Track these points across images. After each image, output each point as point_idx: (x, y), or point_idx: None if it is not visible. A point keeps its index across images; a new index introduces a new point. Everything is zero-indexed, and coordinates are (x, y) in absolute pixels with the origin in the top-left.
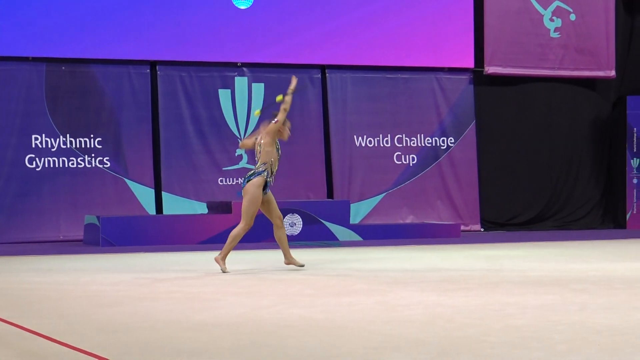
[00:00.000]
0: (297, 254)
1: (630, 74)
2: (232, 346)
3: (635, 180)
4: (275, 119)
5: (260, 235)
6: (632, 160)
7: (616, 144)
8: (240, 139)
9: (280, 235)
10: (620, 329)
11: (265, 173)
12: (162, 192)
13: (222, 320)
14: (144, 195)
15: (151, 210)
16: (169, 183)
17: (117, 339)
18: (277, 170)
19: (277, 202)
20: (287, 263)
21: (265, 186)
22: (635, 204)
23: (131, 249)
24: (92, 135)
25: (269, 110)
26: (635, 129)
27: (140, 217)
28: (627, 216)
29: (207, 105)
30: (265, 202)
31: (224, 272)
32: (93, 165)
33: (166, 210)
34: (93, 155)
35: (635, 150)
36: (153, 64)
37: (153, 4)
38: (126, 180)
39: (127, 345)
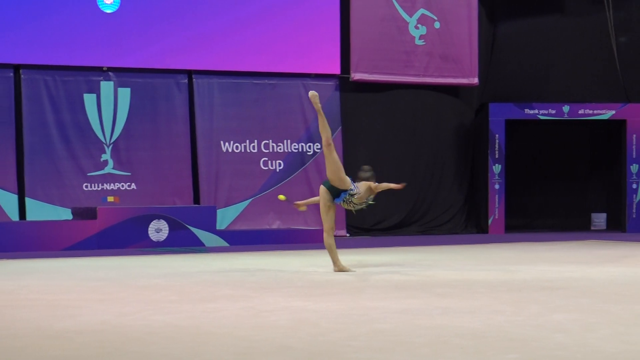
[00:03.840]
0: (163, 260)
1: (492, 81)
2: (95, 354)
3: (497, 186)
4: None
5: (125, 241)
6: (494, 166)
7: (479, 150)
8: (106, 144)
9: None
10: (483, 332)
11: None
12: (26, 198)
13: (85, 327)
14: (7, 200)
15: (14, 216)
16: (32, 188)
17: None
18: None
19: (142, 207)
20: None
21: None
22: (497, 209)
23: None
24: None
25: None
26: (497, 135)
27: (2, 223)
28: (490, 221)
29: (72, 109)
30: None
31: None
32: None
33: (30, 216)
34: None
35: (497, 157)
36: (16, 68)
37: (17, 6)
38: None
39: None
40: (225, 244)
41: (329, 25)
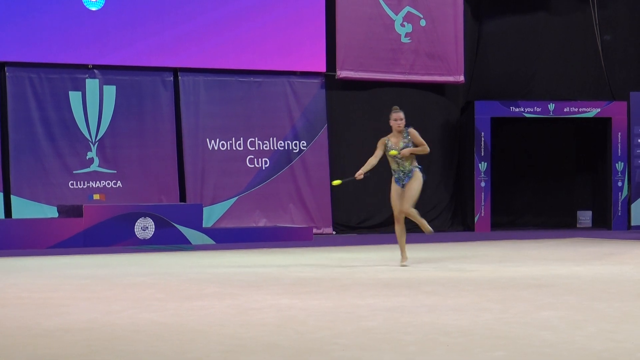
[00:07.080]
0: (150, 257)
1: (477, 79)
2: (83, 352)
3: (483, 184)
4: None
5: (111, 239)
6: (480, 164)
7: (465, 148)
8: (91, 142)
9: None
10: (469, 329)
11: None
12: (11, 196)
13: (72, 325)
14: None
15: None
16: (18, 186)
17: None
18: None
19: (128, 205)
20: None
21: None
22: (483, 207)
23: None
24: None
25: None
26: (482, 133)
27: None
28: (475, 219)
29: (57, 107)
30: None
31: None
32: None
33: (15, 214)
34: None
35: (483, 154)
36: (1, 65)
37: (1, 4)
38: None
39: None
40: (212, 242)
41: (315, 23)
